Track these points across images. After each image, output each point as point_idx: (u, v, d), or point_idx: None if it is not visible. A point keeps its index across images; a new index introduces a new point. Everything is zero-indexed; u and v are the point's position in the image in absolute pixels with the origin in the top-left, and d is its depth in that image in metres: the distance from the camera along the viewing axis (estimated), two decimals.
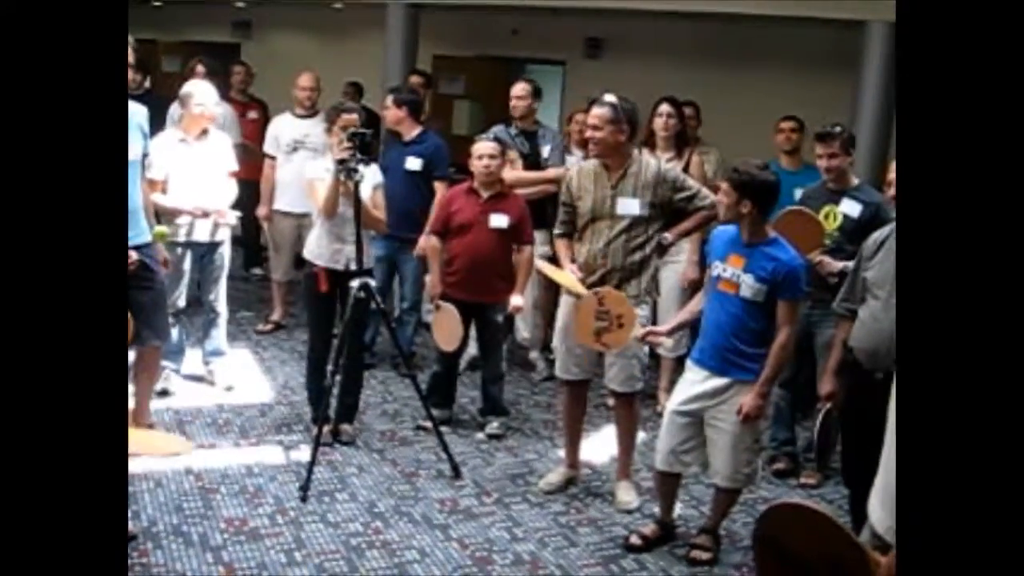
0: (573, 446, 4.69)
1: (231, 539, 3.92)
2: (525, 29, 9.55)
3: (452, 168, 5.99)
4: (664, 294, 5.45)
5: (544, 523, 4.29)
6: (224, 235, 5.39)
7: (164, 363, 5.13)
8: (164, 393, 5.27)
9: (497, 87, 6.45)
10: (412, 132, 5.87)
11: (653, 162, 4.45)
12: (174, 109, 6.24)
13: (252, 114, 7.74)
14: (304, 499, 4.28)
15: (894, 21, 6.20)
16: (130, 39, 3.67)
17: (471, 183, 5.10)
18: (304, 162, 5.81)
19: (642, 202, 4.23)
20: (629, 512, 4.42)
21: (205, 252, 5.34)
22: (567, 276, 4.34)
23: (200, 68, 6.92)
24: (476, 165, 5.02)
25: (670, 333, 4.36)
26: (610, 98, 4.24)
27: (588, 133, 4.32)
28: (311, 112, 6.58)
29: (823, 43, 7.59)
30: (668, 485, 4.13)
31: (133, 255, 4.08)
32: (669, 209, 4.29)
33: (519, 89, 5.83)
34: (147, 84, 7.12)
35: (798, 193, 5.15)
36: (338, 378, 4.65)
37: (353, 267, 4.63)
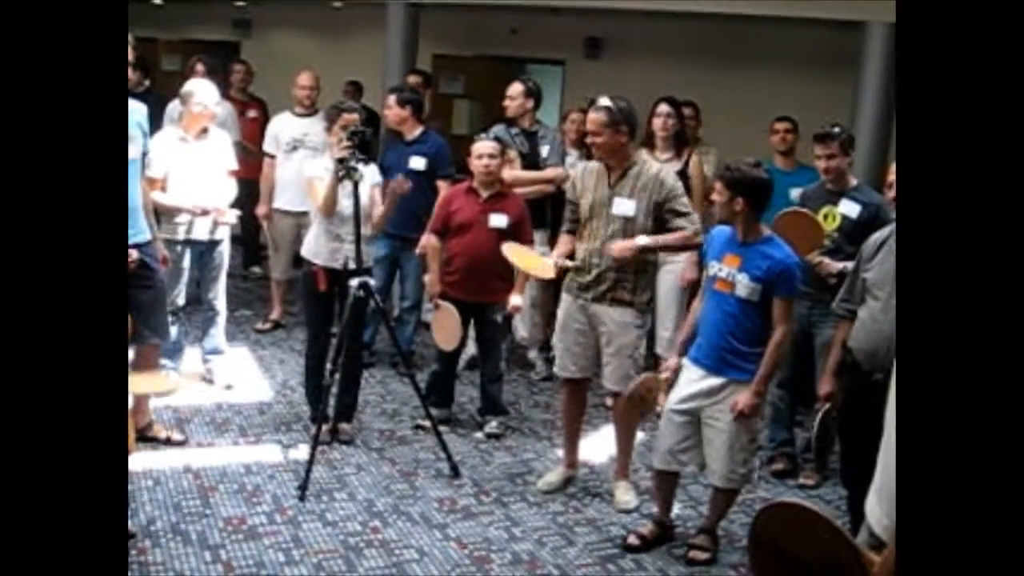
0: (572, 446, 4.70)
1: (229, 538, 3.92)
2: (525, 29, 9.56)
3: (454, 168, 6.00)
4: (663, 295, 5.46)
5: (542, 523, 4.29)
6: (223, 233, 5.39)
7: (163, 361, 5.12)
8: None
9: (497, 87, 6.45)
10: (414, 132, 5.87)
11: (656, 165, 4.45)
12: (173, 107, 6.25)
13: (252, 113, 7.74)
14: (302, 498, 4.28)
15: (893, 21, 6.22)
16: (130, 37, 3.67)
17: (471, 183, 5.10)
18: (303, 161, 5.82)
19: (638, 204, 4.23)
20: (628, 512, 4.43)
21: (204, 250, 5.34)
22: (532, 259, 4.35)
23: (200, 67, 6.92)
24: (476, 165, 5.02)
25: (681, 354, 4.26)
26: (605, 102, 4.24)
27: (589, 139, 4.33)
28: (311, 111, 6.58)
29: (822, 43, 7.60)
30: (666, 484, 4.14)
31: (133, 254, 4.09)
32: (658, 214, 4.27)
33: (511, 90, 5.84)
34: (146, 83, 7.11)
35: (793, 193, 5.16)
36: (337, 377, 4.65)
37: (352, 266, 4.64)
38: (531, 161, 5.77)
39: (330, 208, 4.71)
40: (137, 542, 3.79)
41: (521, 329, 6.31)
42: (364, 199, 4.64)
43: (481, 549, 4.01)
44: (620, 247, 4.17)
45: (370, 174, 4.74)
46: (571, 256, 4.40)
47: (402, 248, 5.81)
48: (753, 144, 5.47)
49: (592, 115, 4.27)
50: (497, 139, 5.21)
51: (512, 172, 5.54)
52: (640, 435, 4.91)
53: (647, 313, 4.44)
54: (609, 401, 4.97)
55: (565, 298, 4.50)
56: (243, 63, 8.09)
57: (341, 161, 4.46)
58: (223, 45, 10.99)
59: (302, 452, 4.67)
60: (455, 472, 4.66)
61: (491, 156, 5.01)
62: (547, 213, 5.76)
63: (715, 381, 3.87)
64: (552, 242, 4.80)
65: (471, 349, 5.69)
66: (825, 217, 4.68)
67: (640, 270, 4.30)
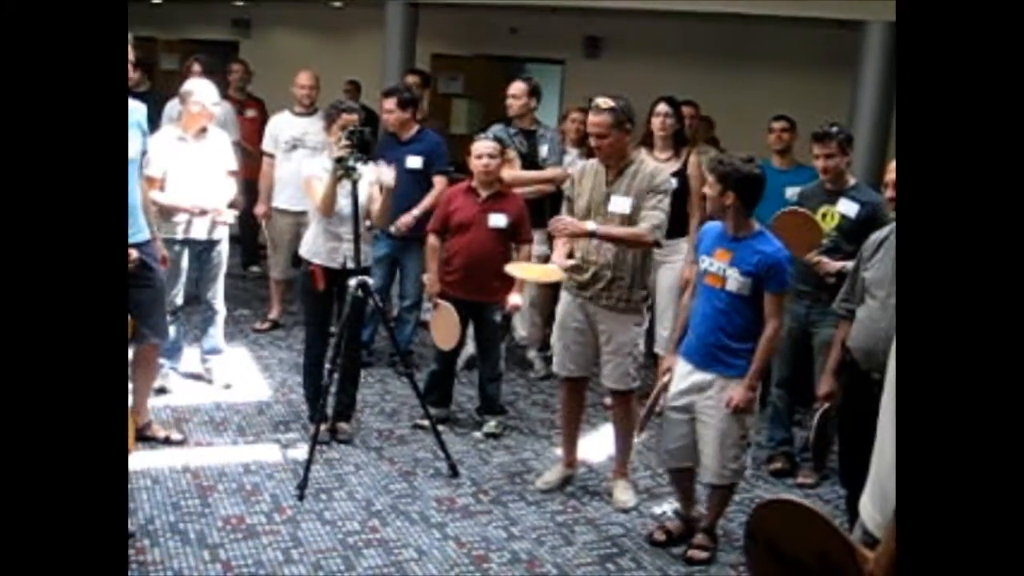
0: (570, 445, 4.70)
1: (228, 537, 3.92)
2: (524, 28, 9.57)
3: (451, 167, 5.99)
4: (662, 293, 5.47)
5: (541, 522, 4.29)
6: (222, 233, 5.39)
7: (162, 361, 5.12)
8: (162, 391, 5.26)
9: (496, 86, 6.46)
10: (410, 131, 5.87)
11: (652, 164, 4.45)
12: (171, 106, 6.24)
13: (250, 112, 7.74)
14: (301, 497, 4.27)
15: (893, 21, 6.23)
16: (130, 37, 3.67)
17: (470, 182, 5.10)
18: (303, 160, 5.81)
19: (634, 202, 4.23)
20: (626, 511, 4.43)
21: (203, 250, 5.33)
22: (535, 268, 4.34)
23: (196, 67, 6.90)
24: (475, 164, 5.02)
25: (675, 348, 4.25)
26: (608, 103, 4.21)
27: (593, 142, 4.27)
28: (310, 110, 6.58)
29: (822, 42, 7.61)
30: (681, 481, 4.14)
31: (133, 253, 4.08)
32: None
33: (515, 88, 5.83)
34: (146, 83, 7.11)
35: (790, 192, 5.16)
36: (335, 376, 4.65)
37: (350, 265, 4.64)
38: (530, 161, 5.76)
39: (328, 208, 4.70)
40: (136, 541, 3.79)
41: (520, 328, 6.31)
42: (362, 198, 4.64)
43: (480, 548, 4.01)
44: (569, 222, 4.16)
45: (369, 173, 4.74)
46: (570, 255, 4.39)
47: (401, 248, 5.81)
48: (752, 143, 5.48)
49: (596, 118, 4.21)
50: (496, 139, 5.21)
51: (511, 172, 5.53)
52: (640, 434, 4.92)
53: (645, 311, 4.44)
54: (608, 400, 4.97)
55: (563, 297, 4.50)
56: (241, 63, 8.09)
57: (340, 160, 4.46)
58: (222, 44, 10.99)
59: (301, 451, 4.66)
60: (454, 471, 4.66)
61: (490, 156, 5.01)
62: (546, 213, 5.75)
63: (703, 376, 3.88)
64: (551, 241, 4.79)
65: (470, 348, 5.69)
66: (823, 216, 4.68)
67: (637, 268, 4.30)
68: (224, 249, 5.44)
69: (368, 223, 4.91)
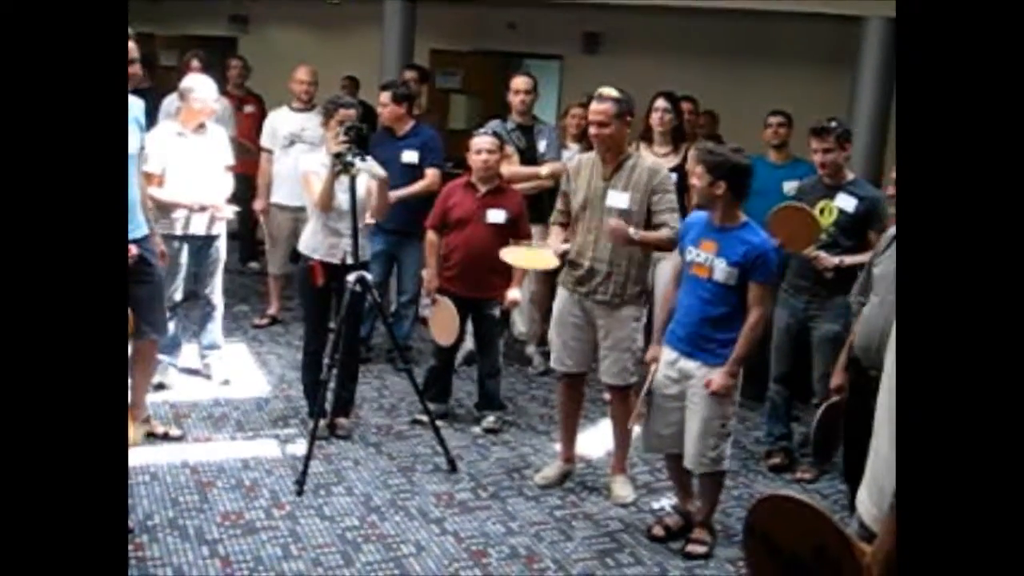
0: (569, 440, 4.70)
1: (227, 533, 3.92)
2: (522, 23, 9.55)
3: (450, 162, 5.99)
4: (661, 288, 5.46)
5: (540, 517, 4.30)
6: (220, 229, 5.39)
7: (161, 356, 5.12)
8: (161, 387, 5.26)
9: (494, 81, 6.45)
10: (406, 126, 5.87)
11: (650, 159, 4.45)
12: (169, 102, 6.23)
13: (248, 108, 7.74)
14: (300, 493, 4.28)
15: (892, 17, 6.23)
16: (132, 33, 3.66)
17: (468, 177, 5.10)
18: (301, 155, 5.81)
19: (632, 197, 4.23)
20: (624, 506, 4.43)
21: (201, 246, 5.33)
22: (531, 253, 4.33)
23: (195, 63, 6.90)
24: (474, 160, 5.02)
25: (660, 339, 4.27)
26: (612, 92, 4.22)
27: (593, 131, 4.25)
28: (308, 106, 6.58)
29: (821, 38, 7.60)
30: (675, 471, 4.14)
31: (132, 249, 4.08)
32: (648, 205, 4.25)
33: (522, 83, 5.81)
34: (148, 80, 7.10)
35: (788, 187, 5.16)
36: (334, 372, 4.65)
37: (349, 260, 4.63)
38: (528, 156, 5.76)
39: (326, 203, 4.70)
40: (135, 537, 3.79)
41: (519, 324, 6.32)
42: (361, 193, 4.64)
43: (478, 543, 4.02)
44: (617, 224, 4.09)
45: (367, 168, 4.73)
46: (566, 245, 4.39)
47: (399, 243, 5.81)
48: (751, 138, 5.49)
49: (599, 106, 4.19)
50: (495, 134, 5.20)
51: (510, 167, 5.53)
52: (637, 429, 4.92)
53: (643, 306, 4.44)
54: (606, 395, 4.97)
55: (561, 293, 4.50)
56: (239, 59, 8.09)
57: (338, 156, 4.46)
58: (220, 40, 10.97)
59: (299, 447, 4.67)
60: (452, 467, 4.66)
61: (489, 151, 5.01)
62: (545, 208, 5.75)
63: (687, 364, 3.89)
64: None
65: (468, 344, 5.69)
66: (822, 211, 4.68)
67: (634, 263, 4.30)
68: (223, 245, 5.44)
69: (369, 219, 4.91)
